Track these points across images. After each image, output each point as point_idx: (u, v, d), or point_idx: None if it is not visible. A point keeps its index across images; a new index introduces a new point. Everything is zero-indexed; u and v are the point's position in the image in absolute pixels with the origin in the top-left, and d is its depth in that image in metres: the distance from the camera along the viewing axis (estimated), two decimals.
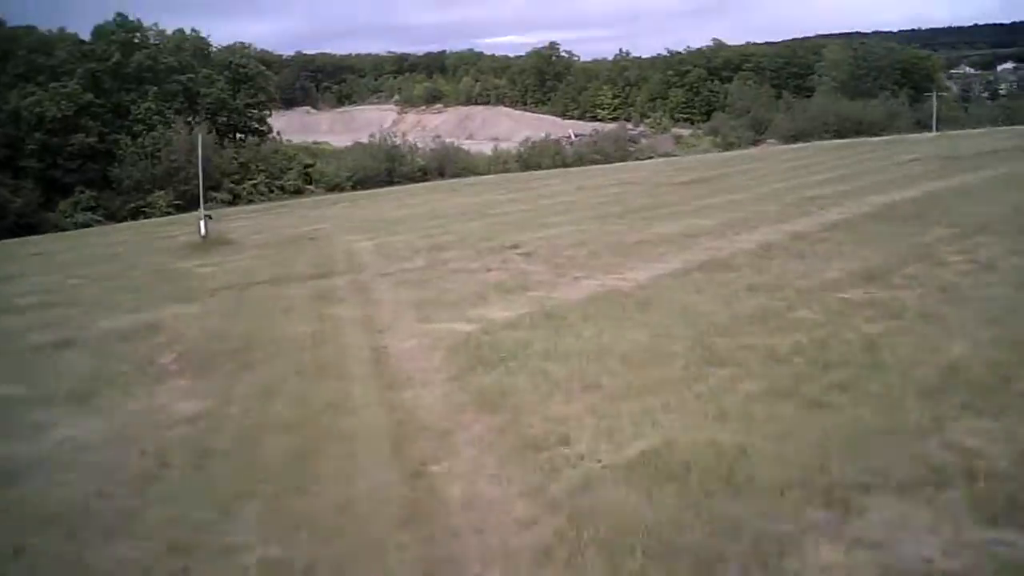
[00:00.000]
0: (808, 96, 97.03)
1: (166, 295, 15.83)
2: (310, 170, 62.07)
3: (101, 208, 55.37)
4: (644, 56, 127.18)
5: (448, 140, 75.97)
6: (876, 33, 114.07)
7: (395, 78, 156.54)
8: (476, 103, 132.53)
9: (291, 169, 61.20)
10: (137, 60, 58.46)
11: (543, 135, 78.43)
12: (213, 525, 5.72)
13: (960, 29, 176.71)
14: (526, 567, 4.87)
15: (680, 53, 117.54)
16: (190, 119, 59.17)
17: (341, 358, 9.86)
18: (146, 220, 51.91)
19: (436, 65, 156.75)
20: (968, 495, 5.26)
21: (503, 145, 77.31)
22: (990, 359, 7.80)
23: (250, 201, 57.83)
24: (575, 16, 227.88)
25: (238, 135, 64.63)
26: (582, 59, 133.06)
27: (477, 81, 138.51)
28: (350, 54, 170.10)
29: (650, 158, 67.12)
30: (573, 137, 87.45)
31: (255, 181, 58.83)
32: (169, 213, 54.50)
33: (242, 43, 66.49)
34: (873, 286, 11.28)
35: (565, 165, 63.77)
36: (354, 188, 62.23)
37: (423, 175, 64.38)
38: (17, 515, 6.14)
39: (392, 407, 7.86)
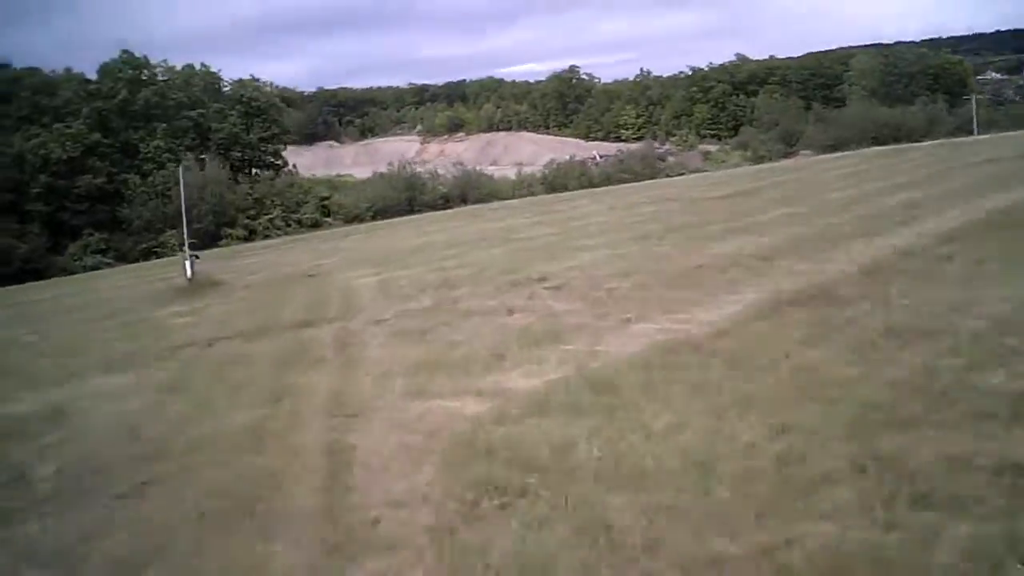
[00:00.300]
0: (838, 106, 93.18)
1: (112, 358, 12.47)
2: (328, 202, 59.04)
3: (112, 250, 52.65)
4: (665, 75, 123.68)
5: (473, 167, 72.84)
6: (899, 43, 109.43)
7: (416, 109, 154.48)
8: (498, 129, 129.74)
9: (307, 202, 58.19)
10: (144, 97, 55.92)
11: (568, 157, 75.00)
12: None
13: (982, 36, 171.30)
14: None
15: (703, 70, 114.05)
16: (202, 155, 56.40)
17: (278, 478, 6.25)
18: (158, 260, 49.15)
19: (457, 94, 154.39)
20: None
21: (527, 169, 73.96)
22: None
23: (266, 236, 54.86)
24: (592, 42, 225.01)
25: (253, 170, 61.81)
26: (602, 81, 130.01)
27: (498, 108, 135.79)
28: (371, 87, 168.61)
29: (680, 175, 63.30)
30: (598, 157, 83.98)
31: (271, 216, 55.86)
32: (181, 251, 51.66)
33: (253, 76, 63.88)
34: None
35: (592, 185, 60.15)
36: (374, 219, 59.15)
37: (445, 203, 61.14)
38: None
39: None
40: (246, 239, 54.78)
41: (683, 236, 17.97)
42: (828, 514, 4.39)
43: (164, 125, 56.46)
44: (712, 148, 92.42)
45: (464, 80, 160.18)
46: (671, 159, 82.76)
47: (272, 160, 62.14)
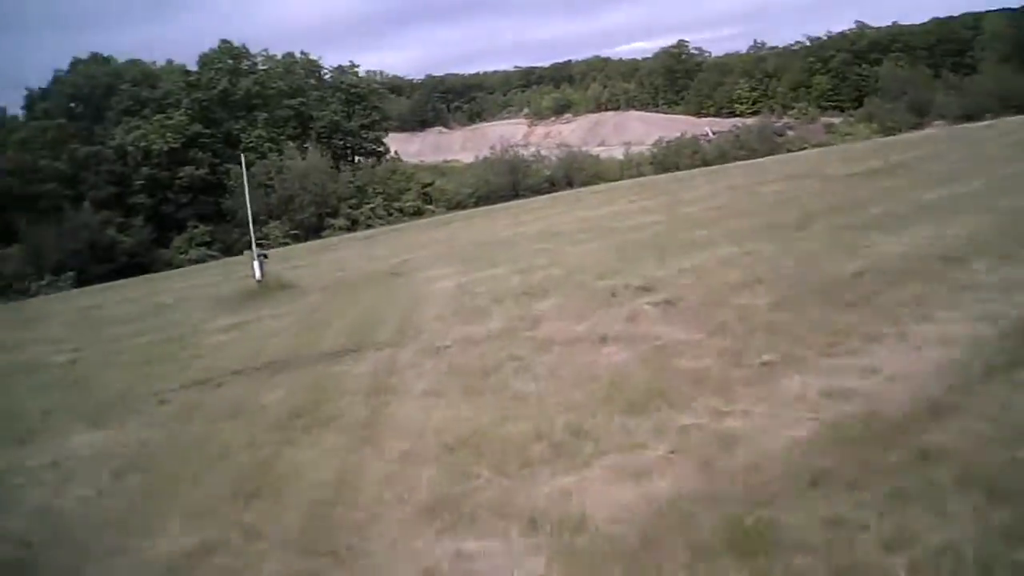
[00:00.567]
0: (967, 74, 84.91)
1: (104, 401, 9.95)
2: (429, 189, 56.62)
3: (217, 242, 51.73)
4: (781, 46, 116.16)
5: (580, 148, 69.22)
6: None
7: (523, 92, 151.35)
8: (606, 109, 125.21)
9: (409, 190, 55.92)
10: (244, 87, 54.70)
11: (678, 135, 70.38)
12: None
13: None
14: None
15: (821, 39, 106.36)
16: (304, 144, 54.88)
17: None
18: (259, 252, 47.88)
19: (563, 75, 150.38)
20: None
21: (635, 149, 69.80)
22: None
23: (368, 225, 52.96)
24: (701, 17, 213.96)
25: (356, 158, 60.02)
26: (713, 55, 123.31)
27: (605, 87, 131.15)
28: (478, 72, 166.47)
29: (802, 149, 57.96)
30: (711, 134, 78.86)
31: (372, 204, 53.84)
32: (286, 243, 50.29)
33: (352, 63, 61.87)
34: None
35: (706, 164, 55.66)
36: (476, 205, 56.49)
37: (550, 186, 57.85)
38: None
39: None
40: (349, 229, 53.05)
41: (828, 225, 14.13)
42: None
43: (265, 115, 55.21)
44: (835, 120, 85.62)
45: (570, 61, 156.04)
46: (790, 133, 76.77)
47: (374, 147, 60.15)
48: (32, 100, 54.57)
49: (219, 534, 5.21)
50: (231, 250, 51.32)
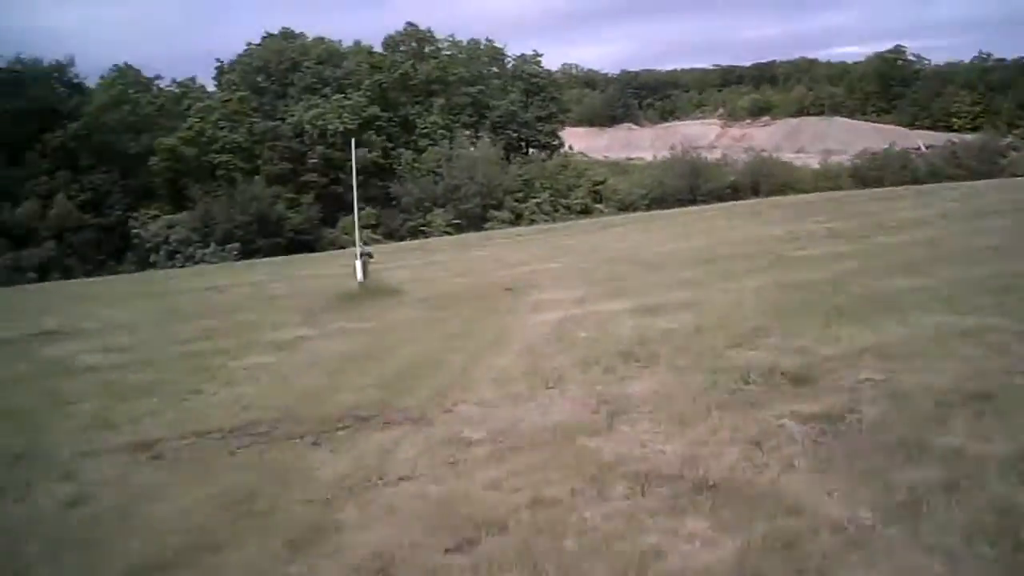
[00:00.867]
0: None
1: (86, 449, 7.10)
2: (601, 187, 52.84)
3: (382, 226, 50.46)
4: (1010, 58, 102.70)
5: (773, 154, 63.09)
6: None
7: (720, 91, 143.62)
8: (807, 114, 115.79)
9: (579, 186, 52.42)
10: (425, 71, 53.00)
11: (885, 146, 62.56)
12: None
13: None
14: None
15: None
16: (479, 134, 52.63)
17: None
18: (420, 240, 46.04)
19: (764, 76, 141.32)
20: None
21: (835, 159, 62.65)
22: None
23: (532, 221, 49.99)
24: (921, 23, 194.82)
25: (530, 150, 57.14)
26: (932, 63, 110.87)
27: (810, 90, 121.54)
28: (674, 69, 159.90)
29: None
30: (923, 148, 69.96)
31: (538, 199, 50.84)
32: (448, 233, 48.26)
33: (535, 52, 58.85)
34: None
35: (916, 181, 48.38)
36: (648, 207, 52.16)
37: (732, 193, 52.56)
38: None
39: None
40: (512, 223, 50.32)
41: None
42: None
43: (442, 100, 53.35)
44: None
45: (773, 61, 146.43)
46: (1014, 154, 66.78)
47: (548, 140, 56.98)
48: (221, 71, 55.45)
49: None
50: (394, 235, 49.91)
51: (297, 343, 11.82)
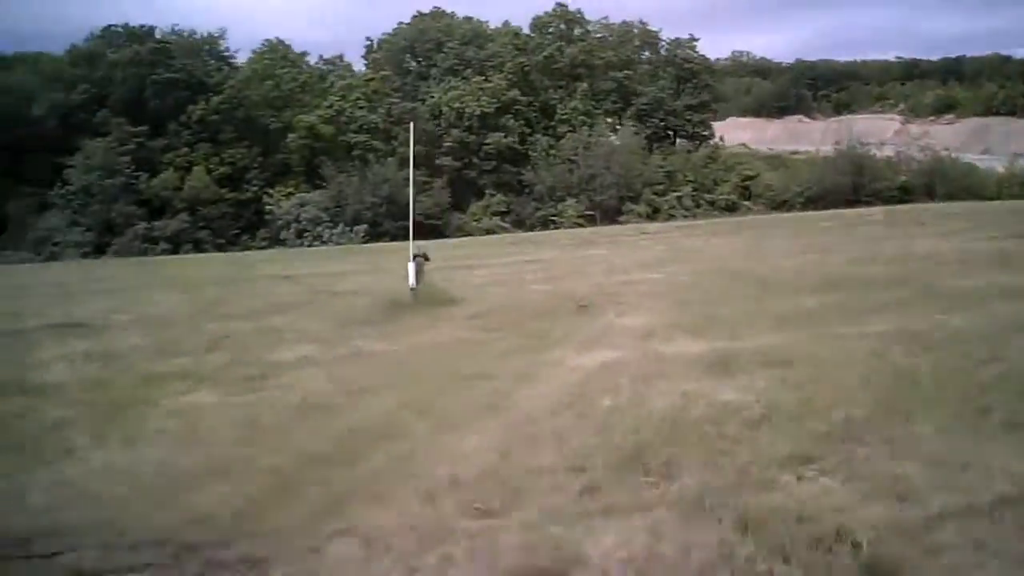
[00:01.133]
0: None
1: None
2: (751, 183, 48.12)
3: (512, 214, 48.13)
4: None
5: (954, 154, 55.86)
6: None
7: (902, 85, 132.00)
8: (997, 113, 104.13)
9: (726, 181, 47.96)
10: (571, 54, 49.96)
11: None
12: None
13: None
14: None
15: None
16: (620, 122, 49.21)
17: None
18: (552, 232, 43.34)
19: (951, 71, 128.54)
20: None
21: None
22: None
23: (670, 216, 46.15)
24: None
25: (678, 140, 52.97)
26: None
27: (1001, 87, 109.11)
28: (854, 60, 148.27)
29: None
30: None
31: (679, 193, 46.87)
32: (579, 225, 45.29)
33: (691, 36, 54.35)
34: None
35: None
36: (804, 206, 47.03)
37: (903, 194, 46.55)
38: None
39: None
40: (648, 217, 46.66)
41: None
42: None
43: (585, 85, 50.19)
44: None
45: (963, 56, 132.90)
46: None
47: (697, 130, 52.52)
48: (369, 50, 54.63)
49: None
50: (523, 224, 47.46)
51: (278, 373, 9.39)
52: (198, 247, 41.82)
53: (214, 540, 4.71)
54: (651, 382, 7.62)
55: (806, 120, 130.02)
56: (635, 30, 54.45)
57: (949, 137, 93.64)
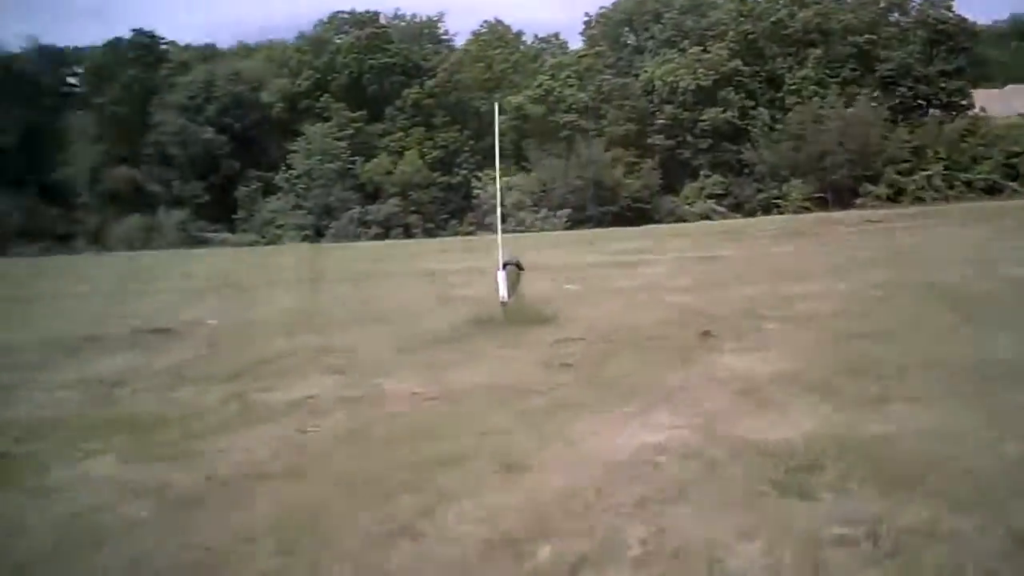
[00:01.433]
0: None
1: None
2: (1018, 160, 40.46)
3: (730, 196, 43.91)
4: None
5: None
6: None
7: None
8: None
9: (988, 158, 40.67)
10: (803, 19, 44.51)
11: None
12: None
13: None
14: None
15: None
16: (858, 92, 43.23)
17: None
18: (775, 216, 38.86)
19: None
20: None
21: None
22: None
23: (918, 199, 39.88)
24: None
25: (931, 111, 45.70)
26: None
27: None
28: None
29: None
30: None
31: (928, 172, 40.38)
32: (805, 209, 40.30)
33: None
34: None
35: None
36: None
37: None
38: None
39: None
40: (891, 199, 40.63)
41: None
42: None
43: (819, 52, 44.57)
44: None
45: None
46: None
47: (952, 99, 44.84)
48: (588, 25, 52.38)
49: None
50: (742, 207, 43.11)
51: (272, 418, 7.16)
52: (407, 232, 41.84)
53: None
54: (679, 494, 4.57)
55: None
56: None
57: None
